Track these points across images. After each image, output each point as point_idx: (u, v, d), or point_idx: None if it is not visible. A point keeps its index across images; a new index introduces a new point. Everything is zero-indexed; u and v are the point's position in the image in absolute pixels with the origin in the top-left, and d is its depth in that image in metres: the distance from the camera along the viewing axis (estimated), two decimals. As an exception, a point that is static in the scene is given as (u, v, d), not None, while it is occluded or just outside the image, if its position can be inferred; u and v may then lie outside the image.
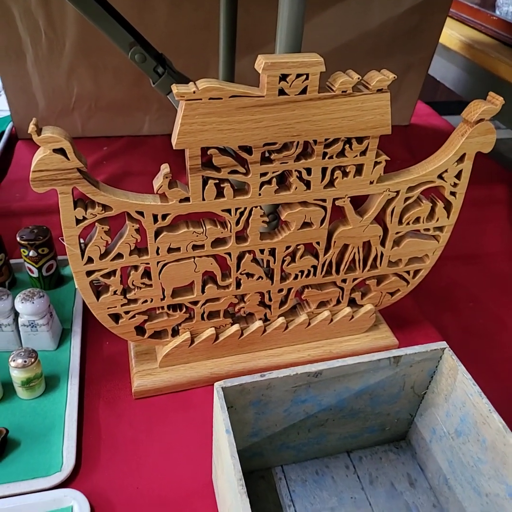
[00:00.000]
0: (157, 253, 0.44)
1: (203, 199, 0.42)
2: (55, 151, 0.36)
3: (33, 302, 0.51)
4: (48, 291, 0.61)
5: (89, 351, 0.55)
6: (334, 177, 0.44)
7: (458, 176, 0.48)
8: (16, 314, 0.53)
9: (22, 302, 0.51)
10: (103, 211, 0.40)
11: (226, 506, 0.37)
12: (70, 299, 0.61)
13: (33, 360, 0.47)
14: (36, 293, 0.52)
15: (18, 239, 0.59)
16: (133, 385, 0.51)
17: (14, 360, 0.47)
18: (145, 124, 1.02)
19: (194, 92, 0.36)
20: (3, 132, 0.95)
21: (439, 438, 0.43)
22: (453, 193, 0.49)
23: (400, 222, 0.50)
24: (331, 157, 0.43)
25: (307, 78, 0.38)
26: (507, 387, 0.80)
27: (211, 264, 0.46)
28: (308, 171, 0.43)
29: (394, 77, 0.39)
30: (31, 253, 0.59)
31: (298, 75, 0.37)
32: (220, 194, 0.42)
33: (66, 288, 0.63)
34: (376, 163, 0.45)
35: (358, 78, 0.39)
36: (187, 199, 0.42)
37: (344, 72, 0.39)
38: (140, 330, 0.49)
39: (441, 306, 0.84)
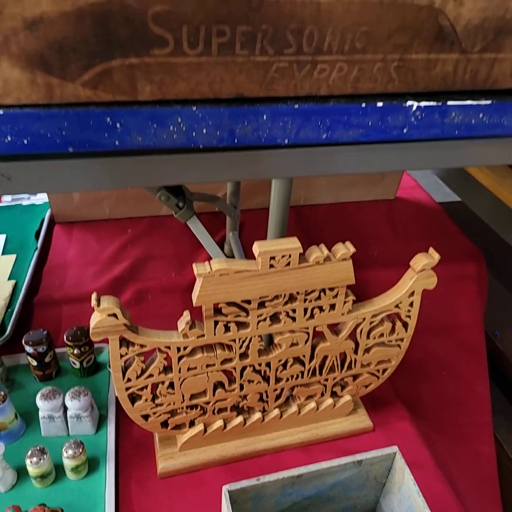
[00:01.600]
0: (179, 372, 0.57)
1: (215, 335, 0.55)
2: (109, 315, 0.49)
3: (79, 400, 0.64)
4: (87, 378, 0.75)
5: (121, 435, 0.68)
6: (314, 313, 0.57)
7: (410, 305, 0.61)
8: (65, 407, 0.65)
9: (71, 400, 0.64)
10: (140, 348, 0.53)
11: None
12: (105, 385, 0.74)
13: (81, 450, 0.60)
14: (81, 391, 0.65)
15: (65, 339, 0.72)
16: (158, 467, 0.63)
17: (66, 451, 0.60)
18: (164, 206, 1.16)
19: (209, 272, 0.49)
20: (43, 220, 1.08)
21: (396, 517, 0.55)
22: (408, 316, 0.62)
23: (368, 337, 0.62)
24: (310, 301, 0.56)
25: (290, 256, 0.51)
26: (475, 450, 0.91)
27: (221, 376, 0.59)
28: (294, 310, 0.56)
29: (354, 251, 0.52)
30: (75, 351, 0.72)
31: (283, 256, 0.50)
32: (227, 330, 0.55)
33: (101, 375, 0.76)
34: (345, 302, 0.58)
35: (327, 254, 0.52)
36: (202, 335, 0.55)
37: (318, 246, 0.53)
38: (164, 424, 0.62)
39: (417, 375, 0.96)
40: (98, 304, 0.49)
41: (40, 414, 0.64)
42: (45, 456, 0.59)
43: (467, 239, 1.21)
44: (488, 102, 0.46)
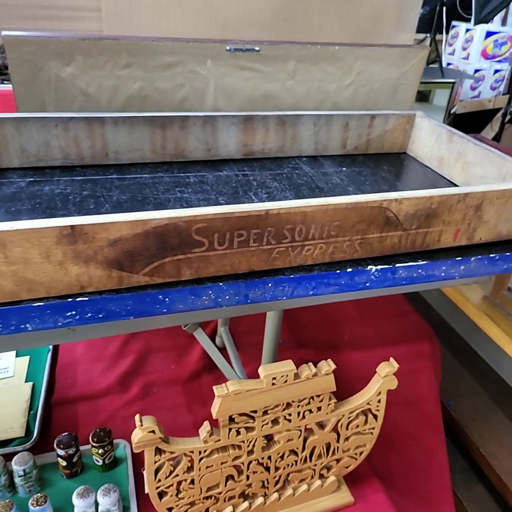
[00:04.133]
0: (199, 470, 0.69)
1: (228, 438, 0.68)
2: (149, 432, 0.61)
3: (110, 496, 0.74)
4: (108, 472, 0.84)
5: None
6: (305, 415, 0.71)
7: (378, 402, 0.75)
8: (96, 503, 0.75)
9: (103, 497, 0.74)
10: (170, 454, 0.65)
11: None
12: (125, 478, 0.84)
13: (115, 541, 0.70)
14: (111, 488, 0.75)
15: (90, 440, 0.82)
16: (179, 551, 0.73)
17: (103, 543, 0.70)
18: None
19: (226, 393, 0.63)
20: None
21: None
22: (377, 410, 0.76)
23: (347, 429, 0.76)
24: (302, 406, 0.70)
25: (287, 376, 0.65)
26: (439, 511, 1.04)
27: (232, 470, 0.71)
28: (290, 414, 0.70)
29: (335, 367, 0.67)
30: (100, 451, 0.82)
31: (282, 376, 0.65)
32: (238, 434, 0.68)
33: (120, 469, 0.86)
34: (328, 404, 0.72)
35: (315, 371, 0.67)
36: (219, 440, 0.67)
37: (307, 365, 0.67)
38: (184, 513, 0.73)
39: (387, 446, 1.10)
40: (141, 424, 0.61)
41: (76, 510, 0.74)
42: (85, 549, 0.68)
43: (420, 318, 1.39)
44: (424, 262, 0.63)
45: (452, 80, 2.05)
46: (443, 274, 0.65)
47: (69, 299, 0.50)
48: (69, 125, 0.77)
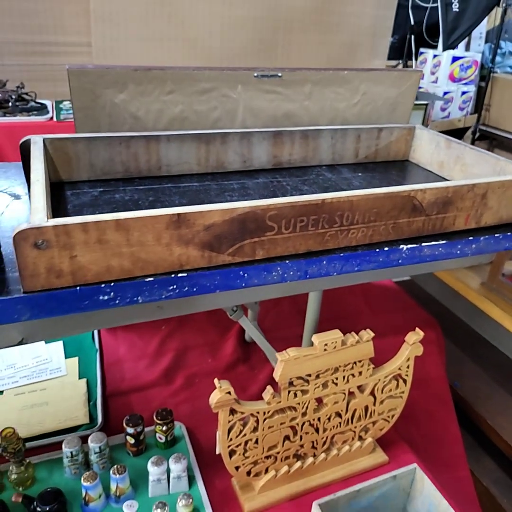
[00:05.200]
0: (262, 430, 0.79)
1: (287, 400, 0.78)
2: (226, 393, 0.72)
3: (181, 463, 0.83)
4: (169, 449, 0.93)
5: (210, 489, 0.87)
6: (349, 379, 0.82)
7: (407, 367, 0.87)
8: (168, 471, 0.84)
9: (175, 463, 0.83)
10: (241, 415, 0.76)
11: None
12: (186, 453, 0.92)
13: (191, 500, 0.79)
14: (180, 456, 0.84)
15: (155, 419, 0.92)
16: (244, 508, 0.83)
17: (181, 501, 0.78)
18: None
19: (288, 358, 0.74)
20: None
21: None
22: (406, 375, 0.88)
23: (382, 392, 0.88)
24: (347, 370, 0.81)
25: (336, 342, 0.76)
26: (456, 476, 1.15)
27: (288, 430, 0.82)
28: (336, 378, 0.81)
29: (373, 335, 0.79)
30: (163, 428, 0.91)
31: (332, 342, 0.76)
32: (295, 396, 0.79)
33: (180, 445, 0.95)
34: (368, 369, 0.83)
35: (358, 339, 0.78)
36: (280, 402, 0.78)
37: (351, 334, 0.79)
38: (248, 472, 0.82)
39: (407, 420, 1.20)
40: (221, 387, 0.71)
41: (151, 478, 0.83)
42: (166, 507, 0.77)
43: (424, 310, 1.52)
44: (443, 241, 0.76)
45: (425, 102, 2.24)
46: (458, 251, 0.78)
47: (172, 275, 0.61)
48: (130, 143, 0.88)
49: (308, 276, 0.69)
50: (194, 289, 0.63)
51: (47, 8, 1.97)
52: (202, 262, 0.63)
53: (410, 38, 2.62)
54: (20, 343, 0.61)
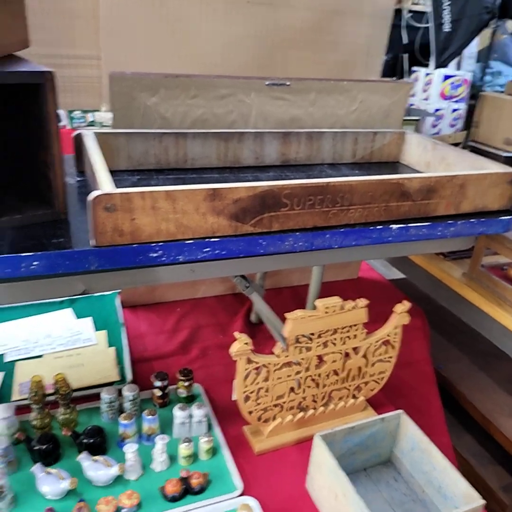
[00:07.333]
0: (272, 380, 0.93)
1: (294, 355, 0.93)
2: (244, 343, 0.86)
3: (201, 409, 0.97)
4: (189, 404, 1.07)
5: (224, 435, 1.00)
6: (345, 341, 0.97)
7: (395, 334, 1.02)
8: (191, 416, 0.98)
9: (198, 409, 0.97)
10: (255, 364, 0.90)
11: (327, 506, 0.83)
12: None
13: (211, 438, 0.93)
14: (202, 405, 0.98)
15: (177, 375, 1.05)
16: (255, 448, 0.96)
17: (202, 439, 0.92)
18: (200, 290, 1.53)
19: (295, 317, 0.88)
20: (114, 305, 1.42)
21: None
22: (395, 341, 1.03)
23: (373, 356, 1.02)
24: (343, 333, 0.95)
25: (336, 306, 0.91)
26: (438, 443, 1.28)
27: (293, 383, 0.96)
28: (335, 339, 0.95)
29: (368, 302, 0.94)
30: (186, 384, 1.05)
31: (333, 305, 0.91)
32: (300, 352, 0.93)
33: (198, 401, 1.08)
34: (361, 333, 0.98)
35: (354, 304, 0.93)
36: (287, 356, 0.92)
37: (348, 301, 0.93)
38: (259, 418, 0.96)
39: (394, 393, 1.34)
40: (240, 338, 0.86)
41: (176, 420, 0.96)
42: (191, 443, 0.91)
43: (411, 301, 1.66)
44: (427, 223, 0.91)
45: (417, 118, 2.40)
46: (439, 233, 0.94)
47: (206, 240, 0.76)
48: (162, 138, 1.04)
49: (313, 247, 0.84)
50: (224, 252, 0.78)
51: (59, 22, 2.13)
52: (230, 230, 0.78)
53: (402, 57, 2.80)
54: (83, 293, 0.76)
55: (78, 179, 0.95)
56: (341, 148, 1.23)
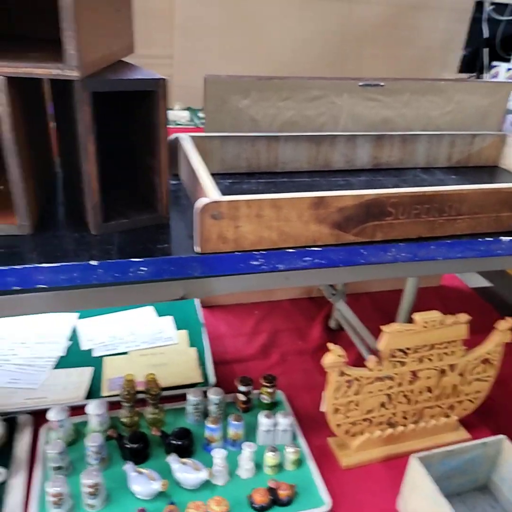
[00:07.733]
0: (363, 394, 0.89)
1: (387, 369, 0.88)
2: (338, 356, 0.83)
3: (287, 419, 0.95)
4: (272, 410, 1.06)
5: (311, 445, 0.98)
6: (442, 357, 0.91)
7: (496, 352, 0.95)
8: (275, 424, 0.96)
9: (283, 418, 0.95)
10: (347, 376, 0.87)
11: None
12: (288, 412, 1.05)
13: (298, 448, 0.91)
14: (287, 414, 0.96)
15: (261, 381, 1.04)
16: (342, 463, 0.93)
17: (288, 449, 0.90)
18: (277, 292, 1.52)
19: (391, 331, 0.84)
20: (193, 305, 1.43)
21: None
22: (494, 359, 0.96)
23: (470, 374, 0.96)
24: (441, 349, 0.90)
25: (435, 321, 0.86)
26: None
27: (384, 397, 0.92)
28: (432, 355, 0.90)
29: (470, 318, 0.88)
30: (269, 390, 1.04)
31: (433, 320, 0.86)
32: (394, 366, 0.89)
33: (279, 407, 1.07)
34: (460, 350, 0.92)
35: (455, 320, 0.87)
36: (381, 370, 0.88)
37: (448, 315, 0.88)
38: (347, 432, 0.93)
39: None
40: (334, 350, 0.83)
41: (262, 428, 0.95)
42: (277, 452, 0.89)
43: (498, 314, 1.56)
44: (541, 235, 0.84)
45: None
46: (554, 247, 0.86)
47: (307, 249, 0.74)
48: (255, 142, 1.02)
49: (416, 258, 0.80)
50: (323, 262, 0.75)
51: (135, 22, 2.20)
52: (331, 239, 0.75)
53: (482, 51, 2.64)
54: (182, 298, 0.76)
55: (173, 182, 0.96)
56: (436, 151, 1.16)
